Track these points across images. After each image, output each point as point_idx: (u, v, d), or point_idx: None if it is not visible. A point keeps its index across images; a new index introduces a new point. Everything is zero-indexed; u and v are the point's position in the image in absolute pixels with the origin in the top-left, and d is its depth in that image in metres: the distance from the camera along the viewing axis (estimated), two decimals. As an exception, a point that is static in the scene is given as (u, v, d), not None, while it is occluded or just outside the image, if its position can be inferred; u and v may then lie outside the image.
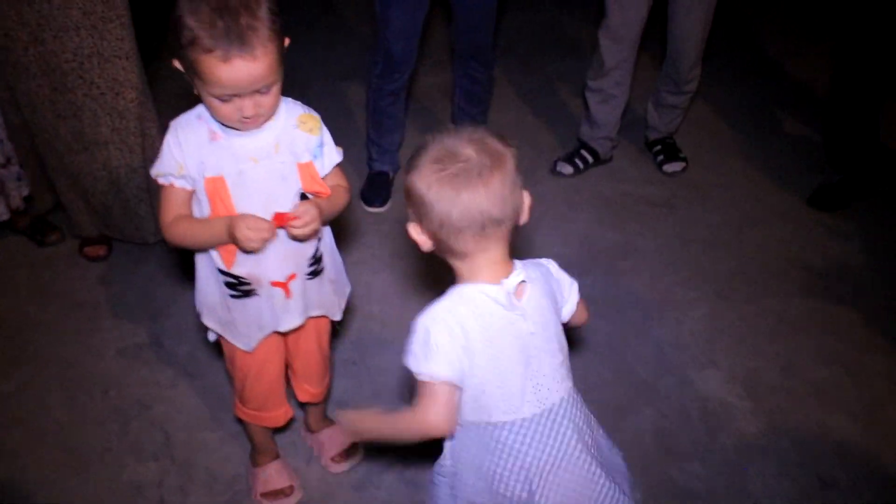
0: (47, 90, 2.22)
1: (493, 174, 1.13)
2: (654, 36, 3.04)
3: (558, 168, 2.97)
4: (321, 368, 1.81)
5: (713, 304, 2.41)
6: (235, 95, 1.27)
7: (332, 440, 1.93)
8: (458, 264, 1.22)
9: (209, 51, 1.21)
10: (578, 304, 1.35)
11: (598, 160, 2.99)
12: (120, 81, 2.27)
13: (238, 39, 1.21)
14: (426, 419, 1.19)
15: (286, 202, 1.43)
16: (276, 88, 1.33)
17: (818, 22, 4.30)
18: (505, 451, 1.23)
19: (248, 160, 1.38)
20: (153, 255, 2.58)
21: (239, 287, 1.49)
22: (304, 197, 1.46)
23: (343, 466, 1.90)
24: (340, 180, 1.56)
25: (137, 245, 2.59)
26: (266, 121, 1.39)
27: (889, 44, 2.44)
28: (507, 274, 1.20)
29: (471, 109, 2.90)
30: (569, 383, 1.29)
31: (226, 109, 1.30)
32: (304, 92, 3.39)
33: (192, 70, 1.25)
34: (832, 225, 2.74)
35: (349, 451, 1.92)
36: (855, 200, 2.81)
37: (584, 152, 2.98)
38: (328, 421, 1.97)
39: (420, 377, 1.18)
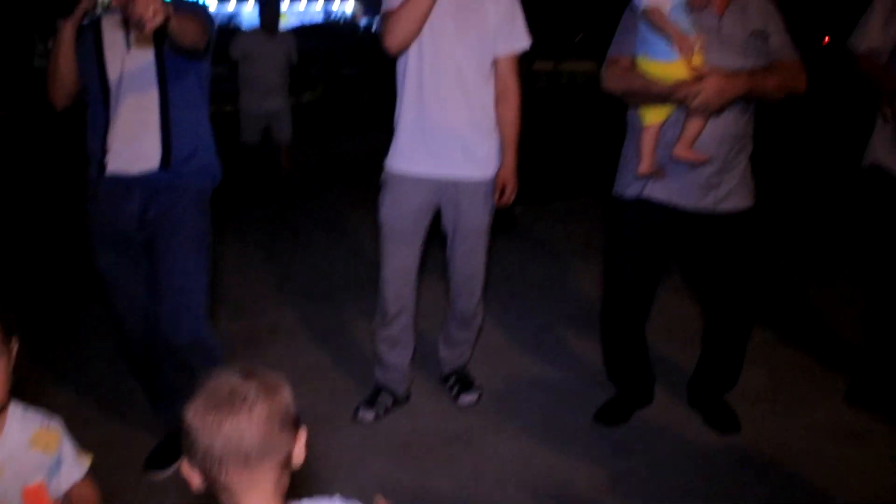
0: None
1: (260, 404, 1.11)
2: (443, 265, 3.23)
3: (360, 415, 2.96)
4: None
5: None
6: None
7: None
8: None
9: None
10: None
11: (398, 401, 3.04)
12: None
13: None
14: None
15: None
16: None
17: (594, 240, 4.77)
18: None
19: None
20: None
21: None
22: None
23: None
24: (87, 489, 1.49)
25: None
26: None
27: (642, 269, 2.73)
28: None
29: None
30: None
31: None
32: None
33: None
34: (616, 440, 2.87)
35: None
36: (634, 412, 2.98)
37: (382, 395, 3.01)
38: None
39: None
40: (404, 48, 2.58)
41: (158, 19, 1.86)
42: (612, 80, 2.50)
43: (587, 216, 5.72)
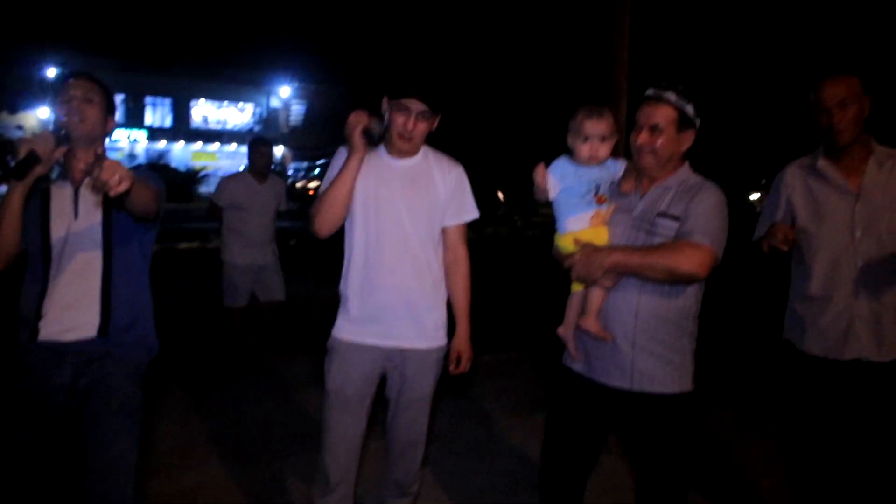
0: None
1: None
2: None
3: None
4: None
5: None
6: None
7: None
8: None
9: None
10: None
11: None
12: None
13: None
14: None
15: None
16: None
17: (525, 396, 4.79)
18: None
19: None
20: None
21: None
22: None
23: None
24: None
25: None
26: None
27: (576, 441, 2.65)
28: None
29: None
30: None
31: None
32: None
33: None
34: None
35: None
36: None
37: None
38: None
39: None
40: (333, 230, 2.68)
41: (123, 186, 1.91)
42: (553, 250, 2.64)
43: (517, 371, 5.79)
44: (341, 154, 2.70)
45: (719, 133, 18.45)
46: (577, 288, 2.54)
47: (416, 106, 2.61)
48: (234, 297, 5.52)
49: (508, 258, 11.60)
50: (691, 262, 2.30)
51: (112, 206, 2.33)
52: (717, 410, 4.99)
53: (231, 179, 5.68)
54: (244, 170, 5.68)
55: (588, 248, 2.39)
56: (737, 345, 6.70)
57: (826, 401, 2.87)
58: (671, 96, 2.46)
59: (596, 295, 2.44)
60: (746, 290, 8.64)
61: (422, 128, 2.66)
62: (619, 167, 2.55)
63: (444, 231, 2.79)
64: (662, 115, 2.45)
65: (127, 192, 1.97)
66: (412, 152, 2.74)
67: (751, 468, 4.07)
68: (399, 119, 2.63)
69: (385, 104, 2.68)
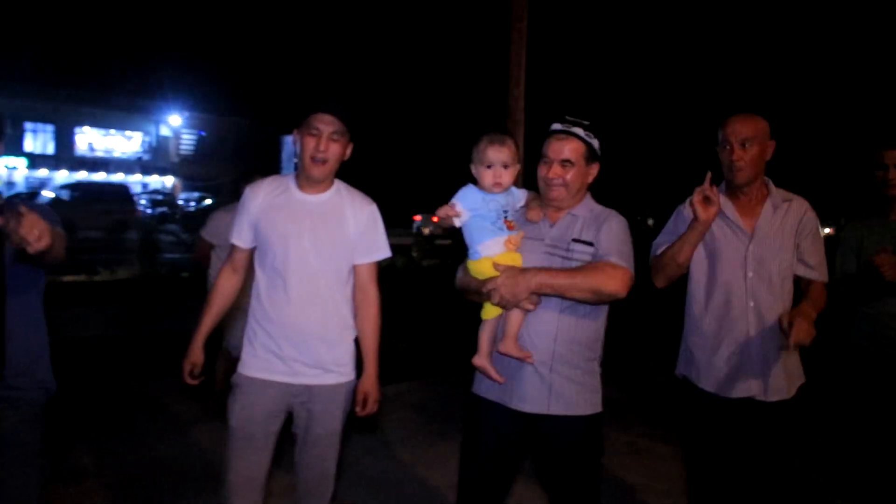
0: None
1: None
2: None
3: None
4: None
5: None
6: None
7: None
8: None
9: None
10: None
11: None
12: None
13: None
14: None
15: None
16: None
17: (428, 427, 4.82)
18: None
19: None
20: None
21: None
22: None
23: None
24: None
25: None
26: None
27: (490, 471, 2.64)
28: None
29: None
30: None
31: None
32: None
33: None
34: None
35: None
36: None
37: None
38: None
39: None
40: None
41: (43, 244, 1.82)
42: (458, 278, 2.70)
43: (417, 401, 5.81)
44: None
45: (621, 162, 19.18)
46: (488, 315, 2.57)
47: (326, 126, 2.60)
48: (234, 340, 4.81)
49: (405, 289, 11.62)
50: (616, 281, 2.41)
51: (23, 260, 2.21)
52: (610, 433, 5.16)
53: (227, 214, 4.89)
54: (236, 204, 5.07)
55: (512, 271, 2.43)
56: (627, 368, 6.95)
57: (720, 435, 2.91)
58: (579, 131, 2.56)
59: (514, 318, 2.49)
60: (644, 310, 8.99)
61: (334, 150, 2.63)
62: (520, 195, 2.64)
63: (354, 269, 2.76)
64: (572, 149, 2.56)
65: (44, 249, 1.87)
66: (324, 181, 2.69)
67: (645, 490, 4.21)
68: (310, 143, 2.60)
69: (295, 137, 2.67)
